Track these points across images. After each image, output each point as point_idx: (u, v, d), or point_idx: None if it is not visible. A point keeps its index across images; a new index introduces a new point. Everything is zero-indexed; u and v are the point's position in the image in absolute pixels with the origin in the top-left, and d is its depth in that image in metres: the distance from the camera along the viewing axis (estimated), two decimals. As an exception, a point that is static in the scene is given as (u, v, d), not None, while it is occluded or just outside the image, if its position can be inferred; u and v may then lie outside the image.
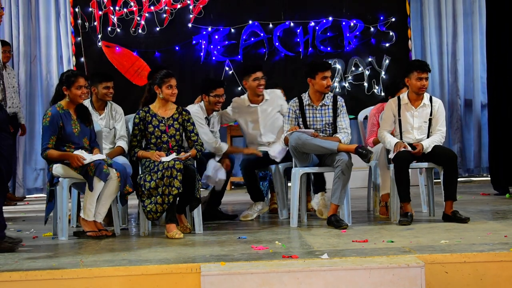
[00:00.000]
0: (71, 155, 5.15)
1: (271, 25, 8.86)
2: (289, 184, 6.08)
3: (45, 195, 5.51)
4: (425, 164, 5.72)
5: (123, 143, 5.94)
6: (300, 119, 5.72)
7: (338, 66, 8.86)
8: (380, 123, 5.89)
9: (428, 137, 5.72)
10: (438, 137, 5.69)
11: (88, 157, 5.15)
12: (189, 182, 5.22)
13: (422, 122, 5.72)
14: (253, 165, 6.09)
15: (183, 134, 5.63)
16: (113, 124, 6.01)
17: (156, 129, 5.48)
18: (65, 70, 9.19)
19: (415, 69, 5.63)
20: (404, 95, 5.79)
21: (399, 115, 5.75)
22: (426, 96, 5.77)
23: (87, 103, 6.01)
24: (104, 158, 5.20)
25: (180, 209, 5.39)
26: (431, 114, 5.73)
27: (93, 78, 6.09)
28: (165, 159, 5.25)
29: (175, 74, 5.59)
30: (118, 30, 8.73)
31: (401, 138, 5.77)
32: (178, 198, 5.28)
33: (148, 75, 6.40)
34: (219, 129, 6.35)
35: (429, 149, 5.60)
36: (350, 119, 5.91)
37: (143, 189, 5.18)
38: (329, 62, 8.55)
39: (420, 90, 5.67)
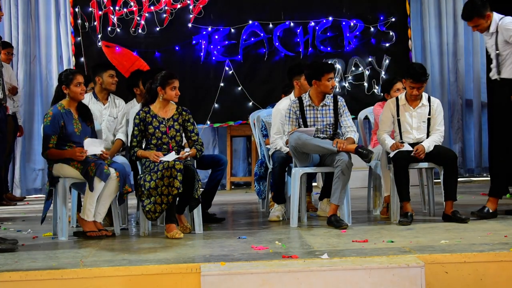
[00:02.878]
0: (71, 151, 5.15)
1: (271, 25, 8.85)
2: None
3: (44, 195, 5.51)
4: (425, 164, 5.72)
5: (122, 136, 5.98)
6: (301, 120, 5.71)
7: (338, 66, 8.86)
8: (379, 124, 5.88)
9: (427, 136, 5.73)
10: (437, 137, 5.69)
11: (89, 149, 5.17)
12: (188, 182, 5.22)
13: (420, 122, 5.73)
14: (287, 163, 5.94)
15: (183, 134, 5.63)
16: (116, 113, 6.07)
17: (157, 130, 5.47)
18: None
19: (410, 77, 5.61)
20: (402, 96, 5.79)
21: (398, 115, 5.76)
22: (425, 96, 5.78)
23: (89, 95, 6.03)
24: (103, 151, 5.22)
25: (179, 209, 5.39)
26: (429, 114, 5.74)
27: (97, 68, 6.13)
28: (165, 158, 5.25)
29: (177, 75, 5.59)
30: (118, 30, 8.73)
31: (401, 138, 5.78)
32: (177, 198, 5.28)
33: (143, 76, 6.33)
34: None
35: (430, 149, 5.60)
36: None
37: (142, 189, 5.18)
38: (330, 62, 8.59)
39: (411, 97, 5.69)
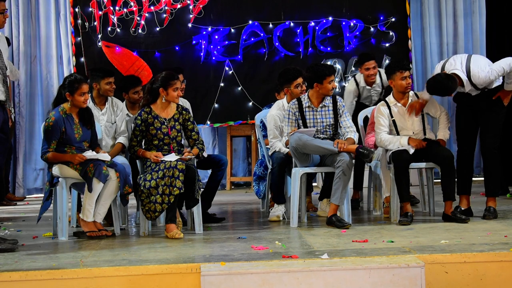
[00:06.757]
0: (71, 156, 5.15)
1: (271, 25, 8.85)
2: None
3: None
4: (423, 164, 5.73)
5: (123, 139, 5.95)
6: (300, 121, 5.71)
7: (338, 66, 8.86)
8: (375, 130, 5.86)
9: (424, 130, 5.75)
10: (445, 121, 5.81)
11: (89, 154, 5.16)
12: (189, 182, 5.22)
13: (414, 117, 5.76)
14: (286, 164, 5.94)
15: (183, 133, 5.63)
16: (114, 118, 6.03)
17: (159, 131, 5.47)
18: (65, 70, 9.22)
19: (397, 69, 5.70)
20: (390, 97, 5.84)
21: (392, 117, 5.78)
22: (411, 93, 5.83)
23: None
24: (107, 159, 5.21)
25: (178, 204, 5.39)
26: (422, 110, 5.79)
27: (95, 74, 6.08)
28: (167, 158, 5.26)
29: (178, 75, 5.58)
30: (118, 30, 8.73)
31: (400, 138, 5.80)
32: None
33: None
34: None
35: (447, 136, 5.77)
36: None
37: (142, 188, 5.18)
38: (329, 63, 8.58)
39: (406, 89, 5.73)
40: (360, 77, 6.95)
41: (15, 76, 8.27)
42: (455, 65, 5.56)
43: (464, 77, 5.51)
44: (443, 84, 5.47)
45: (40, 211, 5.31)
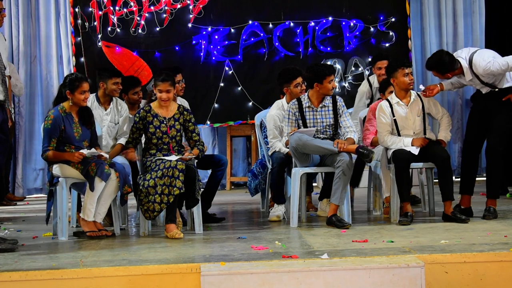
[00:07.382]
0: (70, 154, 5.15)
1: (271, 25, 8.85)
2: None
3: (45, 195, 5.51)
4: (420, 164, 5.73)
5: (124, 140, 5.95)
6: (300, 121, 5.71)
7: (338, 66, 8.86)
8: (378, 129, 5.87)
9: (425, 130, 5.75)
10: (446, 123, 5.83)
11: (87, 152, 5.16)
12: (189, 182, 5.22)
13: (415, 117, 5.76)
14: (286, 164, 5.94)
15: (184, 134, 5.63)
16: (118, 119, 6.05)
17: (157, 130, 5.47)
18: (65, 70, 9.22)
19: (399, 66, 5.71)
20: (392, 96, 5.83)
21: (393, 115, 5.78)
22: (413, 92, 5.83)
23: (92, 98, 6.02)
24: (106, 156, 5.22)
25: (178, 204, 5.39)
26: (423, 108, 5.78)
27: (102, 73, 6.10)
28: (168, 158, 5.26)
29: (171, 78, 5.55)
30: (118, 30, 8.73)
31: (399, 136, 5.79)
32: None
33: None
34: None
35: (448, 138, 5.82)
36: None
37: (141, 187, 5.18)
38: (329, 63, 8.58)
39: (409, 86, 5.74)
40: (373, 77, 6.94)
41: (20, 92, 8.29)
42: (461, 53, 5.71)
43: (464, 64, 5.62)
44: (441, 58, 5.62)
45: (46, 211, 5.32)
